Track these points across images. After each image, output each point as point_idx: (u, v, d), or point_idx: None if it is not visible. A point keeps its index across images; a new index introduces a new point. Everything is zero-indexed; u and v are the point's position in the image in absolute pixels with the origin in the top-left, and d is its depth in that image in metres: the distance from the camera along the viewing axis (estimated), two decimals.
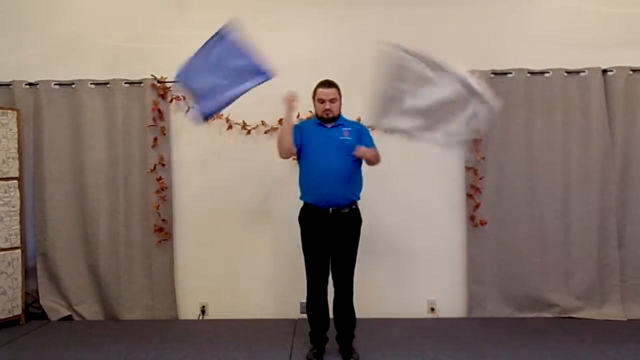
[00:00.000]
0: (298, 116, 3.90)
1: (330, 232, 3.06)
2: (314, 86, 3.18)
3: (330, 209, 3.05)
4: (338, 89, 3.12)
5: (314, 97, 3.16)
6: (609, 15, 3.98)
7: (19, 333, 3.73)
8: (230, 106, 3.92)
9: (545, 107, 3.93)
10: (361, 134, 3.17)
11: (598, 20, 3.98)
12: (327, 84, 3.11)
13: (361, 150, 3.00)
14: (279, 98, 3.92)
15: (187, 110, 4.03)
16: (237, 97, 3.14)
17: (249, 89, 3.12)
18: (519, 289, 3.96)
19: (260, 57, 3.10)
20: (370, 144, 3.15)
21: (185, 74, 3.13)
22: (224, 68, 3.09)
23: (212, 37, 3.10)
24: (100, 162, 4.02)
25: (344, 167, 3.06)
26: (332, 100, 3.08)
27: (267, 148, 3.95)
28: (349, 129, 3.14)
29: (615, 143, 3.92)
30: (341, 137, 3.09)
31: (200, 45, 3.10)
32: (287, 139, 3.07)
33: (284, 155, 3.15)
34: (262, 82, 3.10)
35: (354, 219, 3.15)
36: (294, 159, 3.27)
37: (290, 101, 3.06)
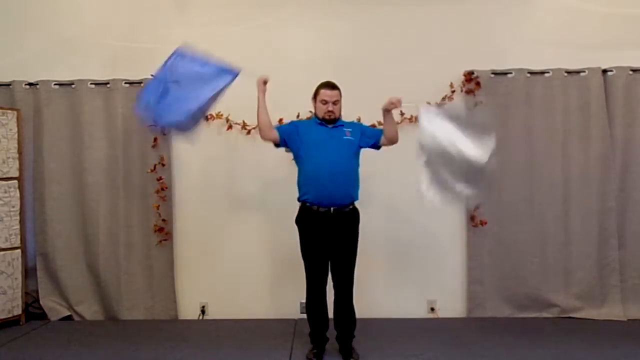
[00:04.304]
0: (298, 116, 3.92)
1: (331, 233, 3.06)
2: (314, 86, 3.18)
3: (332, 209, 3.05)
4: (340, 91, 3.14)
5: (315, 98, 3.16)
6: (609, 15, 3.98)
7: (19, 333, 3.73)
8: (230, 106, 3.99)
9: (545, 107, 3.93)
10: (362, 128, 3.29)
11: (598, 20, 3.98)
12: (330, 85, 3.12)
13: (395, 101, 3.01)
14: (279, 98, 3.93)
15: None
16: (210, 100, 2.99)
17: (221, 90, 2.98)
18: (519, 289, 3.96)
19: (220, 60, 3.00)
20: (373, 130, 3.31)
21: (144, 99, 2.97)
22: (186, 81, 2.94)
23: (168, 59, 2.98)
24: (100, 162, 4.02)
25: (348, 167, 3.09)
26: (334, 103, 3.10)
27: (267, 148, 3.95)
28: (350, 129, 3.18)
29: (615, 143, 3.92)
30: (345, 137, 3.11)
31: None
32: (265, 117, 3.12)
33: (267, 134, 3.14)
34: (232, 79, 2.98)
35: (354, 218, 3.15)
36: (292, 158, 3.26)
37: (262, 83, 3.09)
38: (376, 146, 3.22)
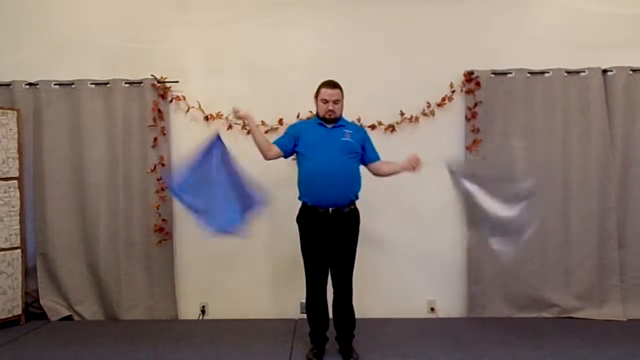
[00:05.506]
0: (298, 116, 3.91)
1: (330, 233, 3.06)
2: (315, 86, 3.17)
3: (330, 209, 3.04)
4: (341, 90, 3.12)
5: (316, 97, 3.15)
6: (609, 15, 3.98)
7: (19, 333, 3.73)
8: (230, 106, 3.96)
9: (545, 107, 3.93)
10: (365, 139, 3.23)
11: (598, 20, 3.98)
12: (332, 84, 3.10)
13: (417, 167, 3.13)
14: (279, 98, 3.94)
15: (187, 110, 4.04)
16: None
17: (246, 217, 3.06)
18: (519, 289, 3.96)
19: (252, 181, 3.09)
20: (374, 150, 3.25)
21: (180, 188, 3.01)
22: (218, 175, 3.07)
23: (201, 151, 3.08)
24: (100, 162, 4.02)
25: (345, 168, 3.07)
26: (335, 102, 3.08)
27: None
28: (351, 131, 3.16)
29: (615, 143, 3.91)
30: (343, 139, 3.09)
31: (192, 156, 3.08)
32: (261, 139, 3.12)
33: (268, 154, 3.15)
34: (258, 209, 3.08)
35: (353, 219, 3.14)
36: (293, 158, 3.26)
37: (239, 116, 3.15)
38: (364, 163, 3.24)
